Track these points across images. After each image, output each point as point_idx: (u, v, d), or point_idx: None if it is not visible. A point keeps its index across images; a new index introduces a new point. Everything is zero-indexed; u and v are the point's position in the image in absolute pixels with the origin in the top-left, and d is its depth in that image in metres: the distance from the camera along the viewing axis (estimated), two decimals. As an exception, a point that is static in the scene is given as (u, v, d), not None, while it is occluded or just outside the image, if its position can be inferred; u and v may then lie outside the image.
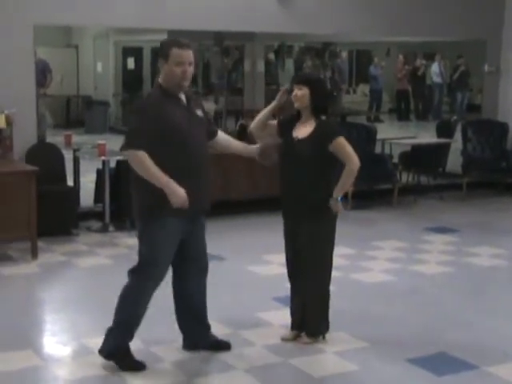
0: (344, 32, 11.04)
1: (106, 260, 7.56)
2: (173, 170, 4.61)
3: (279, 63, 20.46)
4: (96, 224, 8.84)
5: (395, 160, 10.83)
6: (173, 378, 4.82)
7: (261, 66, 18.81)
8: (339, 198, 5.12)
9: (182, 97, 4.80)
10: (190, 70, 4.77)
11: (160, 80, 4.79)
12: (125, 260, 7.52)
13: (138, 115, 4.74)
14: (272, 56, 20.19)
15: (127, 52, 19.78)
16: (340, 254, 7.70)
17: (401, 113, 22.65)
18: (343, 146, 5.13)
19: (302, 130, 5.17)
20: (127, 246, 8.04)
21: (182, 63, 4.69)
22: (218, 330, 5.50)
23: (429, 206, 10.53)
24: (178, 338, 5.31)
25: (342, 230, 8.83)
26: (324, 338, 5.36)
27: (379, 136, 11.01)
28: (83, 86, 19.52)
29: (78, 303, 6.34)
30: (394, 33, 11.18)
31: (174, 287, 5.14)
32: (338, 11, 10.27)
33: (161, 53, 4.76)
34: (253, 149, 5.15)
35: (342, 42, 20.30)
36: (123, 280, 6.87)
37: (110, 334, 4.91)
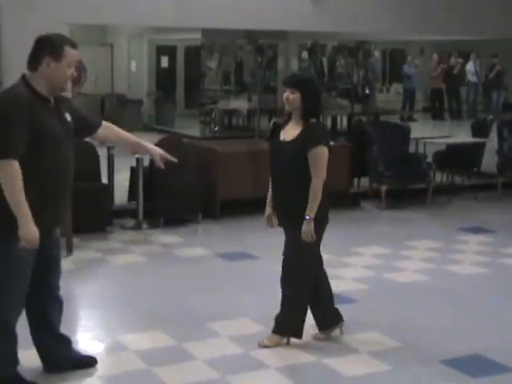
0: (378, 31, 11.00)
1: (139, 257, 7.59)
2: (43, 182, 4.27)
3: (312, 62, 20.44)
4: (130, 221, 8.89)
5: (429, 159, 10.75)
6: (205, 374, 4.83)
7: (294, 65, 18.81)
8: (307, 217, 4.91)
9: (52, 99, 4.38)
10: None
11: (34, 80, 4.31)
12: (158, 258, 7.61)
13: (3, 117, 4.18)
14: (305, 54, 20.19)
15: (161, 50, 19.88)
16: (373, 254, 7.71)
17: (435, 112, 22.51)
18: (318, 157, 4.97)
19: (290, 133, 5.10)
20: (161, 244, 8.08)
21: (73, 64, 4.35)
22: (251, 328, 5.53)
23: (463, 206, 10.44)
24: (211, 334, 5.34)
25: (375, 229, 8.92)
26: (288, 342, 5.25)
27: (413, 135, 10.96)
28: (117, 85, 19.64)
29: (111, 300, 6.37)
30: (428, 31, 11.12)
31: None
32: (371, 10, 10.23)
33: (51, 51, 4.26)
34: (151, 149, 4.95)
35: (376, 40, 20.24)
36: (157, 277, 6.97)
37: None
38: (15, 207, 4.14)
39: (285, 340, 5.24)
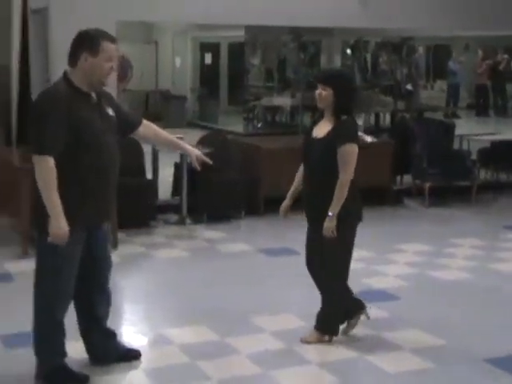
0: (421, 26, 10.92)
1: (183, 252, 7.64)
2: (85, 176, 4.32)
3: (356, 58, 20.34)
4: (173, 217, 8.94)
5: (473, 156, 10.65)
6: (248, 369, 4.85)
7: (337, 61, 18.73)
8: (330, 214, 4.89)
9: (93, 94, 4.42)
10: (115, 66, 4.47)
11: (74, 75, 4.36)
12: (202, 252, 7.66)
13: (43, 113, 4.24)
14: (348, 51, 20.10)
15: (204, 47, 19.95)
16: (416, 251, 7.68)
17: (479, 108, 22.28)
18: (347, 155, 4.91)
19: (321, 130, 5.05)
20: (204, 239, 8.13)
21: (111, 59, 4.36)
22: (293, 323, 5.54)
23: (508, 203, 10.33)
24: (254, 329, 5.37)
25: (418, 227, 8.87)
26: (330, 340, 5.23)
27: (457, 132, 10.87)
28: (162, 81, 19.77)
29: (155, 294, 6.43)
30: (473, 27, 11.02)
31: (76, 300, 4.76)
32: (415, 6, 10.16)
33: (89, 46, 4.29)
34: (188, 149, 4.97)
35: (420, 36, 20.07)
36: (201, 272, 7.01)
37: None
38: (47, 202, 4.20)
39: (326, 337, 5.23)
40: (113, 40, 4.37)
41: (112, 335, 4.88)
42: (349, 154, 4.92)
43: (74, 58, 4.35)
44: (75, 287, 4.56)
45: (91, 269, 4.61)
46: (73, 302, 4.69)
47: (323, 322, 5.24)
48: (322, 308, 5.24)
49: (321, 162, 5.01)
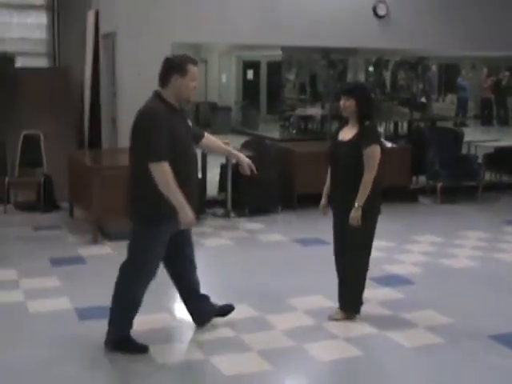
0: (435, 48, 10.82)
1: (228, 241, 7.66)
2: (178, 179, 4.34)
3: (377, 75, 20.21)
4: (220, 210, 8.97)
5: (479, 160, 10.53)
6: (284, 342, 4.84)
7: (361, 77, 18.64)
8: (356, 205, 4.88)
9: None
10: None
11: (166, 93, 4.44)
12: (244, 241, 7.68)
13: (153, 126, 4.32)
14: (371, 68, 19.97)
15: (247, 65, 19.97)
16: (429, 242, 7.61)
17: (484, 119, 22.05)
18: (372, 156, 4.91)
19: (347, 134, 5.06)
20: (246, 230, 8.14)
21: (195, 78, 4.46)
22: (323, 303, 5.55)
23: (510, 201, 10.20)
24: (289, 308, 5.37)
25: (431, 221, 8.80)
26: (354, 317, 5.22)
27: (465, 139, 10.76)
28: (210, 94, 19.82)
29: (204, 276, 6.34)
30: (480, 48, 10.90)
31: (171, 273, 4.95)
32: (430, 30, 10.08)
33: (178, 68, 4.41)
34: (240, 157, 5.07)
35: (433, 56, 19.88)
36: (243, 258, 7.03)
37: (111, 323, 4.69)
38: (173, 199, 4.30)
39: (351, 315, 5.23)
40: (195, 63, 4.50)
41: (207, 298, 5.04)
42: (373, 153, 4.93)
43: (165, 79, 4.45)
44: (174, 268, 4.87)
45: (181, 248, 4.81)
46: (174, 282, 4.95)
47: (348, 303, 5.23)
48: (346, 291, 5.22)
49: (347, 161, 5.01)
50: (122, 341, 4.64)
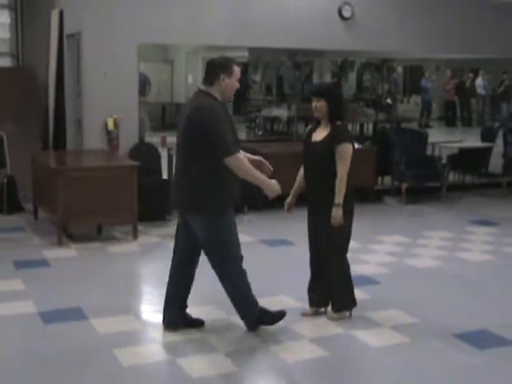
0: (400, 50, 10.91)
1: (194, 242, 7.61)
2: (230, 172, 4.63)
3: (343, 76, 20.32)
4: (186, 211, 8.91)
5: (444, 161, 10.64)
6: (250, 342, 4.84)
7: (327, 79, 18.70)
8: (336, 203, 4.92)
9: None
10: None
11: (214, 92, 4.66)
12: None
13: (221, 123, 4.59)
14: (337, 70, 20.06)
15: (213, 66, 19.89)
16: (395, 242, 7.66)
17: (448, 120, 22.29)
18: (344, 152, 4.96)
19: (320, 135, 5.11)
20: (212, 231, 8.10)
21: (238, 78, 4.72)
22: (290, 304, 5.53)
23: (472, 201, 10.32)
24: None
25: (396, 221, 8.86)
26: (350, 314, 5.28)
27: (430, 140, 10.87)
28: (176, 95, 19.74)
29: (171, 278, 6.41)
30: (443, 51, 11.03)
31: (178, 275, 5.03)
32: (395, 32, 10.16)
33: (225, 69, 4.66)
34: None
35: (398, 58, 20.05)
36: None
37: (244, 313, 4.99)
38: (255, 180, 4.68)
39: (347, 313, 5.27)
40: (237, 64, 4.77)
41: (186, 307, 5.11)
42: (345, 150, 4.97)
43: (211, 78, 4.68)
44: (181, 269, 5.06)
45: (195, 259, 5.08)
46: (171, 280, 5.09)
47: (340, 302, 5.25)
48: (334, 291, 5.23)
49: (321, 161, 5.04)
50: (262, 317, 4.94)
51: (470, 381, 4.35)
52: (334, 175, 4.98)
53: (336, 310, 5.27)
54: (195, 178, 4.65)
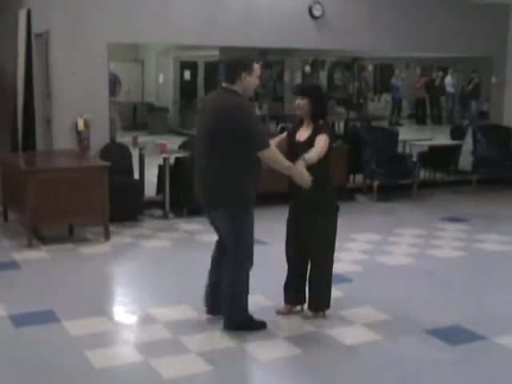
0: (370, 49, 10.98)
1: (166, 242, 7.60)
2: (254, 167, 4.77)
3: (314, 75, 20.39)
4: (158, 211, 8.89)
5: (414, 159, 10.73)
6: (224, 342, 4.83)
7: (298, 78, 18.78)
8: (304, 157, 4.83)
9: None
10: None
11: (236, 89, 4.75)
12: (183, 242, 7.63)
13: (254, 118, 4.76)
14: (308, 69, 20.12)
15: (184, 65, 19.86)
16: (367, 240, 7.70)
17: (418, 118, 22.46)
18: (321, 141, 4.94)
19: (303, 134, 5.10)
20: (185, 231, 8.09)
21: (258, 75, 4.84)
22: (263, 303, 5.53)
23: (443, 198, 10.42)
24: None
25: (368, 219, 8.91)
26: (324, 314, 5.31)
27: (400, 138, 10.94)
28: (147, 95, 19.67)
29: (143, 278, 6.39)
30: (413, 49, 11.12)
31: (219, 268, 5.07)
32: (365, 31, 10.21)
33: (246, 67, 4.75)
34: None
35: (368, 57, 20.18)
36: (181, 259, 6.97)
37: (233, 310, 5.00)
38: (289, 171, 4.79)
39: (322, 313, 5.28)
40: (258, 61, 4.87)
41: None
42: (324, 138, 4.95)
43: (233, 76, 4.76)
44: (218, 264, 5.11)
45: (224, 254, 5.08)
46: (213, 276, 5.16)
47: (320, 302, 5.27)
48: (319, 290, 5.23)
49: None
50: (246, 322, 4.97)
51: (442, 376, 4.39)
52: (320, 174, 4.96)
53: (314, 309, 5.28)
54: (222, 174, 4.73)
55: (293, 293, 5.32)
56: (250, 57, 4.89)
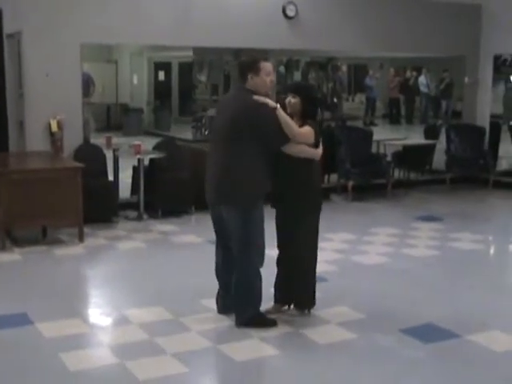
0: (344, 49, 11.03)
1: (141, 244, 7.58)
2: (266, 161, 4.87)
3: (288, 75, 20.40)
4: (132, 213, 8.86)
5: (389, 158, 10.80)
6: (200, 344, 4.83)
7: (274, 77, 18.74)
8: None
9: None
10: (273, 78, 5.01)
11: (251, 88, 4.83)
12: (157, 244, 7.61)
13: (272, 114, 4.77)
14: (282, 69, 20.12)
15: (158, 66, 19.77)
16: (342, 239, 7.74)
17: (392, 118, 22.58)
18: (305, 128, 4.98)
19: None
20: (159, 232, 8.07)
21: (269, 73, 4.88)
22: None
23: (417, 197, 10.50)
24: (203, 309, 5.34)
25: (343, 218, 8.95)
26: (309, 311, 5.35)
27: (375, 138, 11.00)
28: (121, 95, 19.52)
29: (117, 280, 6.37)
30: (387, 49, 11.18)
31: (228, 264, 5.10)
32: (339, 31, 10.27)
33: (251, 69, 4.83)
34: None
35: (343, 57, 20.22)
36: (156, 261, 6.96)
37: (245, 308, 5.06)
38: (311, 155, 4.98)
39: (306, 311, 5.32)
40: (266, 59, 4.96)
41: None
42: (308, 128, 4.98)
43: (243, 79, 4.89)
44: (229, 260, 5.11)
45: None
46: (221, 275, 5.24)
47: (302, 301, 5.30)
48: (302, 288, 5.26)
49: (295, 159, 5.00)
50: (257, 318, 5.03)
51: (416, 374, 4.43)
52: (307, 172, 5.05)
53: (299, 307, 5.31)
54: (235, 171, 4.81)
55: (281, 292, 5.34)
56: (256, 57, 4.94)
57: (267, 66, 4.86)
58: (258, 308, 5.08)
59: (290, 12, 9.84)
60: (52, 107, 8.36)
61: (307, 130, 4.99)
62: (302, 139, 4.95)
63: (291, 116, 5.13)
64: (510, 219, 9.49)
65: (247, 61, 4.93)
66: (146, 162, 8.90)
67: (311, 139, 5.00)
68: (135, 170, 9.02)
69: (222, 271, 5.22)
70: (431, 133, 12.19)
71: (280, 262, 5.32)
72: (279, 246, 5.30)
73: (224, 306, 5.25)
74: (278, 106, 4.83)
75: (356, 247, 7.48)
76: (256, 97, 4.77)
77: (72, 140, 8.53)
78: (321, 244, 7.34)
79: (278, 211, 5.26)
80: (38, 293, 5.90)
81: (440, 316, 5.35)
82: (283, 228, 5.23)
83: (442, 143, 11.72)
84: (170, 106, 19.47)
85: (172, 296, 5.77)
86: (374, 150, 11.01)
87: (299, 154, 4.93)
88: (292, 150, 4.91)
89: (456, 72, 16.60)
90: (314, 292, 5.33)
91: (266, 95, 4.86)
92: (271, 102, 4.78)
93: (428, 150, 11.37)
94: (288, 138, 4.84)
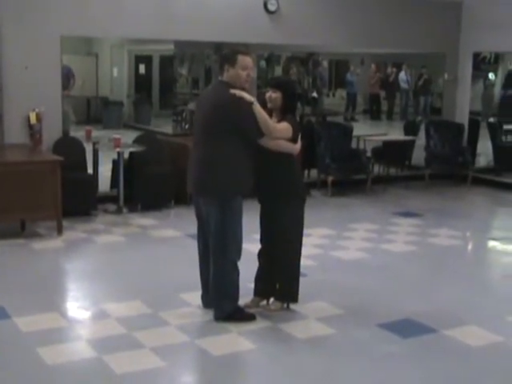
0: (325, 44, 11.05)
1: (120, 237, 7.55)
2: (247, 154, 4.88)
3: (269, 70, 20.39)
4: (112, 206, 8.83)
5: (368, 154, 10.83)
6: (177, 338, 4.83)
7: (253, 72, 18.73)
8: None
9: None
10: (252, 73, 4.99)
11: (229, 81, 4.84)
12: (136, 238, 7.59)
13: (247, 108, 4.76)
14: (263, 64, 20.12)
15: (139, 59, 19.67)
16: (321, 235, 7.76)
17: (373, 113, 22.66)
18: (282, 124, 5.00)
19: None
20: (138, 226, 8.05)
21: (247, 68, 4.84)
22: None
23: (396, 193, 10.55)
24: (182, 304, 5.34)
25: (323, 213, 8.97)
26: (288, 306, 5.37)
27: (355, 133, 11.03)
28: (101, 88, 19.40)
29: (96, 274, 6.35)
30: (368, 45, 11.22)
31: (209, 263, 5.11)
32: (320, 26, 10.28)
33: (228, 60, 4.84)
34: None
35: (324, 52, 20.25)
36: (135, 254, 6.94)
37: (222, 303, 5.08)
38: (289, 149, 5.02)
39: (285, 305, 5.32)
40: (246, 53, 4.89)
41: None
42: (285, 124, 5.00)
43: (221, 69, 4.90)
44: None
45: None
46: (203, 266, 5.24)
47: (284, 293, 5.31)
48: (284, 281, 5.27)
49: (274, 153, 5.01)
50: (235, 312, 5.04)
51: (394, 369, 4.45)
52: (286, 166, 5.08)
53: (280, 300, 5.32)
54: (215, 163, 4.83)
55: (262, 285, 5.35)
56: (235, 49, 4.93)
57: (245, 60, 4.84)
58: (236, 302, 5.09)
59: (272, 6, 9.83)
60: (31, 100, 8.30)
61: (283, 126, 5.00)
62: (279, 134, 4.96)
63: (271, 111, 5.16)
64: (487, 215, 9.58)
65: (226, 52, 4.95)
66: (126, 156, 8.86)
67: (288, 134, 5.01)
68: (115, 163, 8.98)
69: (202, 269, 5.23)
70: (411, 129, 12.26)
71: (262, 254, 5.33)
72: (262, 240, 5.31)
73: (208, 303, 5.25)
74: (255, 100, 4.83)
75: (335, 242, 7.51)
76: (233, 90, 4.77)
77: (51, 133, 8.47)
78: (300, 239, 7.45)
79: (262, 204, 5.28)
80: (15, 287, 5.86)
81: (418, 311, 5.38)
82: (266, 220, 5.25)
83: (421, 139, 11.78)
84: (151, 99, 19.40)
85: (150, 290, 5.76)
86: (354, 145, 11.04)
87: (276, 148, 4.94)
88: (269, 143, 4.92)
89: (433, 68, 16.71)
90: (298, 287, 5.33)
91: (242, 89, 4.84)
92: (248, 96, 4.78)
93: (407, 146, 11.43)
94: (262, 133, 4.84)
